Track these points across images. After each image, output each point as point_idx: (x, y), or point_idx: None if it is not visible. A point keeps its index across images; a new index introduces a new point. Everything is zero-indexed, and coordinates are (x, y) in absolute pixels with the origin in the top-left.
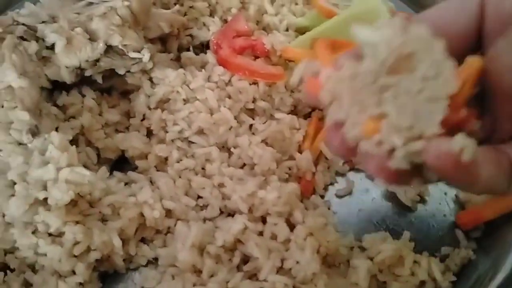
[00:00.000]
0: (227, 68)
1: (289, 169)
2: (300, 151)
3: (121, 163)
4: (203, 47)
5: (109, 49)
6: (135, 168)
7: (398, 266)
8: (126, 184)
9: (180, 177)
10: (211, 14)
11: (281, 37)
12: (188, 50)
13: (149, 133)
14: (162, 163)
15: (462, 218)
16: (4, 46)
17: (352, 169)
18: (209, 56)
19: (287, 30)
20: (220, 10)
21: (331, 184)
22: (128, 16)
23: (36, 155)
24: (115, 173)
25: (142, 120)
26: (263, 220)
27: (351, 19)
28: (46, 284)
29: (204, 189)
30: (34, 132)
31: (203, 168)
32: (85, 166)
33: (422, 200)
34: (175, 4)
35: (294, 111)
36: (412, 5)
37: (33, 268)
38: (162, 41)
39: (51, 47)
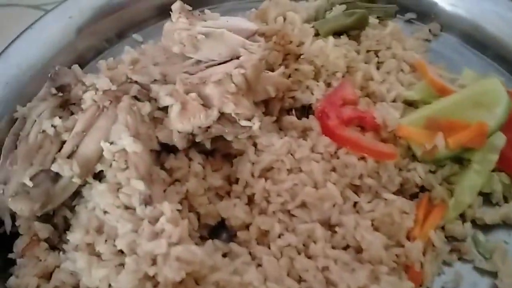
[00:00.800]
0: (334, 139)
1: (397, 256)
2: (408, 237)
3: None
4: (304, 109)
5: (221, 116)
6: (232, 235)
7: None
8: (225, 254)
9: (282, 254)
10: (315, 77)
11: (394, 112)
12: (289, 112)
13: (250, 201)
14: (263, 236)
15: None
16: (120, 107)
17: (460, 258)
18: (312, 123)
19: (393, 100)
20: (325, 74)
21: (438, 274)
22: (242, 83)
23: (146, 224)
24: (215, 242)
25: (244, 187)
26: None
27: (468, 100)
28: None
29: (308, 272)
30: (148, 202)
31: (304, 245)
32: None
33: None
34: (279, 65)
35: (400, 190)
36: None
37: None
38: (265, 103)
39: (163, 108)
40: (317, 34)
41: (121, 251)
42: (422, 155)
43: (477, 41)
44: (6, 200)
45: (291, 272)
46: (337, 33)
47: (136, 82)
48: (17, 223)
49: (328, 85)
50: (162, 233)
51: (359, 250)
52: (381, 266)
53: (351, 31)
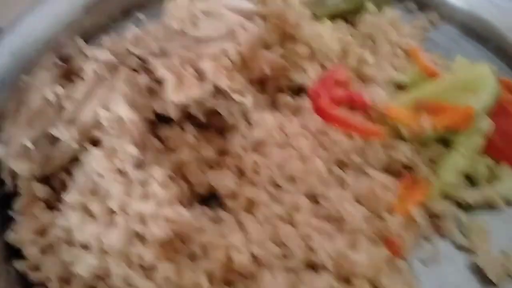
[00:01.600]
0: (324, 118)
1: (377, 229)
2: (390, 212)
3: (208, 198)
4: (299, 90)
5: (215, 90)
6: (222, 205)
7: None
8: (213, 221)
9: (267, 223)
10: (311, 60)
11: (383, 93)
12: (283, 92)
13: (241, 173)
14: (250, 205)
15: None
16: (118, 77)
17: (440, 235)
18: (306, 102)
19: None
20: (320, 56)
21: (416, 248)
22: (237, 59)
23: (137, 187)
24: (204, 209)
25: (235, 160)
26: (346, 280)
27: (457, 84)
28: None
29: (289, 238)
30: (140, 167)
31: (290, 216)
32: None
33: (511, 277)
34: (276, 46)
35: (385, 169)
36: None
37: None
38: (260, 82)
39: (159, 81)
40: (315, 17)
41: (113, 212)
42: (409, 135)
43: (477, 33)
44: (8, 160)
45: (274, 238)
46: (334, 17)
47: (135, 55)
48: (17, 184)
49: (323, 67)
50: (152, 195)
51: (341, 221)
52: (361, 236)
53: (348, 16)
